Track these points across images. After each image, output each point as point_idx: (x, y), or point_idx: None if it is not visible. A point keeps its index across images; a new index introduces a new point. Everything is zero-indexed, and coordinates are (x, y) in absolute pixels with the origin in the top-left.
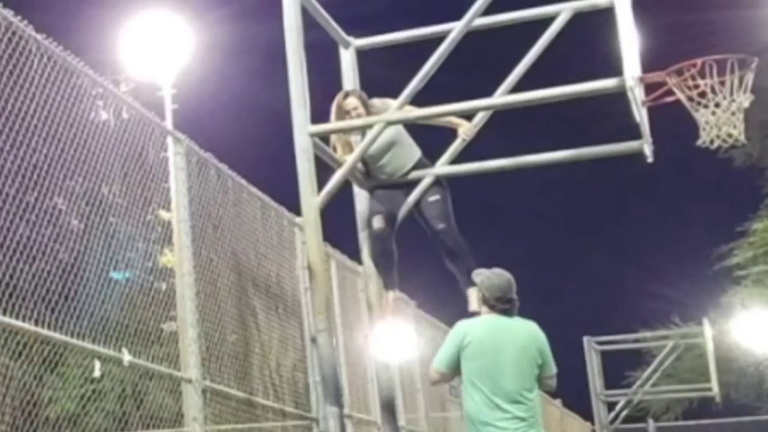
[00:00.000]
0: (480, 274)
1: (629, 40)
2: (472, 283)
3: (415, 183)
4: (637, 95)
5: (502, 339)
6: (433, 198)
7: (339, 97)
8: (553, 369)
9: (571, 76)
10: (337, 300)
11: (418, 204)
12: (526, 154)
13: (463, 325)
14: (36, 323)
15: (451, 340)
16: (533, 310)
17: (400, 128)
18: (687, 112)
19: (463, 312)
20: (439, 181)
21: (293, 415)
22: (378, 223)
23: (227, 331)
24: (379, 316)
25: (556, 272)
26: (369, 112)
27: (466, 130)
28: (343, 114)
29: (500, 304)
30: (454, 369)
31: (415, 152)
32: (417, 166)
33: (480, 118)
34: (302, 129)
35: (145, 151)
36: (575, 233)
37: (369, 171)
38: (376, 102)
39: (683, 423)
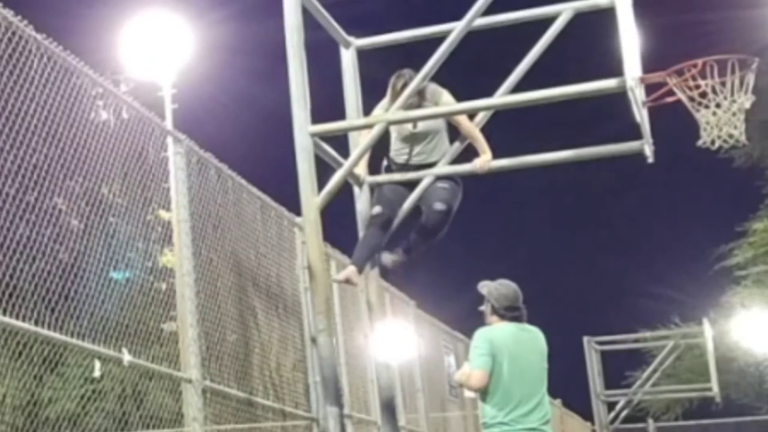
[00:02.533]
0: (485, 286)
1: (630, 41)
2: (397, 256)
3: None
4: (637, 95)
5: (524, 346)
6: (442, 185)
7: (393, 78)
8: None
9: (571, 76)
10: (337, 300)
11: (424, 192)
12: (527, 154)
13: (486, 333)
14: (36, 323)
15: (483, 346)
16: (533, 309)
17: (442, 123)
18: (688, 112)
19: (462, 311)
20: (452, 177)
21: (293, 415)
22: (376, 210)
23: (227, 331)
24: (341, 280)
25: (556, 272)
26: (423, 97)
27: (483, 163)
28: (396, 95)
29: (510, 313)
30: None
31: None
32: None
33: (480, 118)
34: (302, 129)
35: (145, 151)
36: (575, 233)
37: (391, 156)
38: (431, 87)
39: (683, 423)
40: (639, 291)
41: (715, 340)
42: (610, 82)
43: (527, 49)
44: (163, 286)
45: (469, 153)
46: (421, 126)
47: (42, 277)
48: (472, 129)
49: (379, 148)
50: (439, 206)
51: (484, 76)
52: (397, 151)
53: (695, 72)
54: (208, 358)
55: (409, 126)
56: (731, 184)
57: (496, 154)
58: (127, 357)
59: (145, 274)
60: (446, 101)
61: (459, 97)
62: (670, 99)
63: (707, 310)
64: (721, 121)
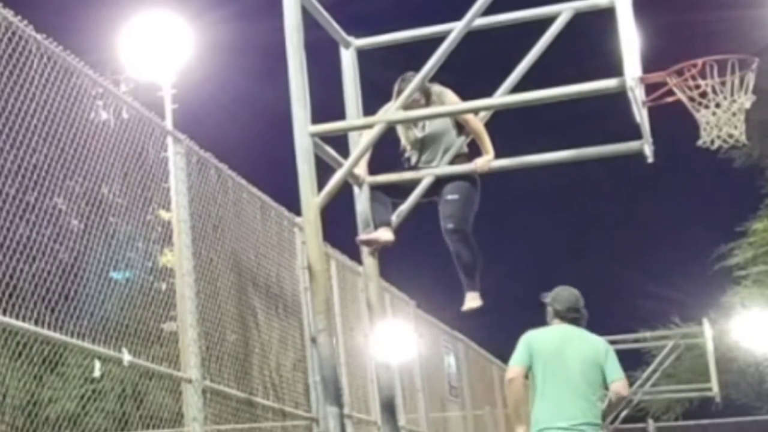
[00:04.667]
0: (548, 295)
1: (630, 40)
2: (472, 287)
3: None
4: (637, 95)
5: (570, 349)
6: (451, 197)
7: (398, 81)
8: (615, 373)
9: (571, 76)
10: (337, 300)
11: (440, 199)
12: (527, 154)
13: (527, 337)
14: (36, 323)
15: (522, 347)
16: (533, 309)
17: (449, 125)
18: (688, 112)
19: (462, 311)
20: (464, 179)
21: (293, 415)
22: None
23: (227, 331)
24: (366, 240)
25: (556, 272)
26: (429, 100)
27: (484, 163)
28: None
29: (570, 314)
30: (528, 368)
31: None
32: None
33: (480, 118)
34: (302, 129)
35: (145, 151)
36: (575, 233)
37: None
38: (436, 88)
39: (683, 423)
40: (639, 291)
41: (715, 340)
42: (610, 82)
43: (527, 49)
44: (163, 286)
45: (473, 152)
46: (428, 129)
47: (42, 277)
48: (480, 127)
49: (380, 149)
50: (449, 226)
51: (484, 76)
52: (408, 158)
53: (695, 72)
54: (208, 358)
55: (416, 131)
56: (731, 184)
57: (496, 154)
58: (127, 357)
59: (145, 274)
60: (450, 101)
61: (460, 96)
62: (670, 99)
63: (707, 310)
64: (721, 121)
